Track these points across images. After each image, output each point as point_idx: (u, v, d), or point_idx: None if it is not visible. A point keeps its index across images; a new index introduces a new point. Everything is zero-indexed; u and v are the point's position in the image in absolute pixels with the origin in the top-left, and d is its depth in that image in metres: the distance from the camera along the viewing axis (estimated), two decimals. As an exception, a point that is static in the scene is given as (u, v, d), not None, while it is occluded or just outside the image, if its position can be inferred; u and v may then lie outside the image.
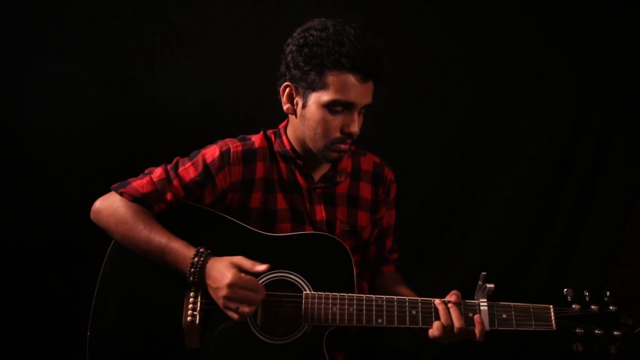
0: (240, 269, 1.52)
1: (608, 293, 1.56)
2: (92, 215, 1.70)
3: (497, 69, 2.89)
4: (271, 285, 1.60)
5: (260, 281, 1.61)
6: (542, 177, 2.96)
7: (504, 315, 1.54)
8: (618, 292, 3.12)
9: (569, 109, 2.95)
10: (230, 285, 1.48)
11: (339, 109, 1.61)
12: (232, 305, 1.50)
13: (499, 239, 2.96)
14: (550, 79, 2.93)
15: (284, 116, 1.83)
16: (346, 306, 1.57)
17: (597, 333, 1.52)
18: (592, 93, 2.95)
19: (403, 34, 2.78)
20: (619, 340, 1.52)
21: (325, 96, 1.60)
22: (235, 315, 1.51)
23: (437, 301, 1.57)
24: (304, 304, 1.58)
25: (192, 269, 1.54)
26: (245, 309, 1.49)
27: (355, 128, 1.64)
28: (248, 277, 1.52)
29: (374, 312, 1.56)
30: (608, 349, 1.53)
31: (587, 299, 1.56)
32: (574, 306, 1.55)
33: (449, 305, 1.56)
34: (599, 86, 2.94)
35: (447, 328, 1.54)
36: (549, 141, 2.96)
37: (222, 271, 1.51)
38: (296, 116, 1.72)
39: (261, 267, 1.54)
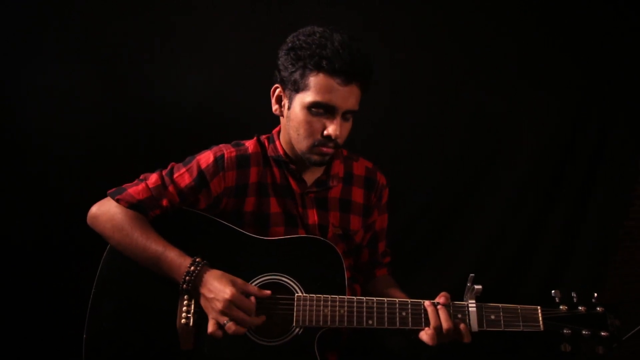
0: (241, 290, 1.56)
1: (595, 294, 1.58)
2: (88, 220, 1.73)
3: (497, 69, 2.90)
4: (264, 287, 1.62)
5: (254, 284, 1.63)
6: (542, 177, 2.97)
7: (493, 317, 1.56)
8: (618, 292, 3.14)
9: (568, 109, 2.96)
10: (228, 301, 1.52)
11: (320, 110, 1.63)
12: (222, 320, 1.54)
13: (498, 238, 2.97)
14: (550, 79, 2.94)
15: (278, 121, 1.86)
16: (337, 308, 1.59)
17: (585, 334, 1.54)
18: (592, 93, 2.96)
19: (403, 35, 2.80)
20: (606, 340, 1.53)
21: (307, 97, 1.62)
22: (218, 332, 1.54)
23: (426, 303, 1.60)
24: (296, 306, 1.60)
25: (187, 277, 1.56)
26: (232, 327, 1.52)
27: (335, 131, 1.64)
28: (246, 299, 1.55)
29: (364, 313, 1.58)
30: (596, 349, 1.55)
31: (575, 300, 1.57)
32: (561, 307, 1.56)
33: (438, 307, 1.58)
34: (599, 86, 2.95)
35: (437, 329, 1.56)
36: (548, 141, 2.97)
37: (222, 285, 1.54)
38: (283, 117, 1.75)
39: (266, 293, 1.59)
